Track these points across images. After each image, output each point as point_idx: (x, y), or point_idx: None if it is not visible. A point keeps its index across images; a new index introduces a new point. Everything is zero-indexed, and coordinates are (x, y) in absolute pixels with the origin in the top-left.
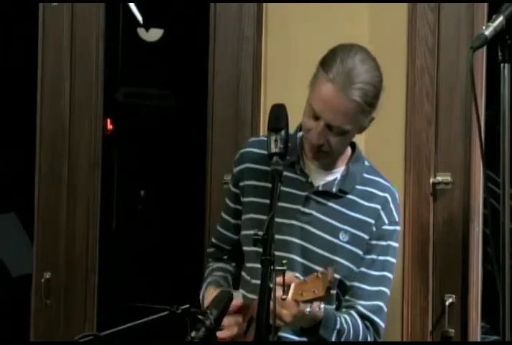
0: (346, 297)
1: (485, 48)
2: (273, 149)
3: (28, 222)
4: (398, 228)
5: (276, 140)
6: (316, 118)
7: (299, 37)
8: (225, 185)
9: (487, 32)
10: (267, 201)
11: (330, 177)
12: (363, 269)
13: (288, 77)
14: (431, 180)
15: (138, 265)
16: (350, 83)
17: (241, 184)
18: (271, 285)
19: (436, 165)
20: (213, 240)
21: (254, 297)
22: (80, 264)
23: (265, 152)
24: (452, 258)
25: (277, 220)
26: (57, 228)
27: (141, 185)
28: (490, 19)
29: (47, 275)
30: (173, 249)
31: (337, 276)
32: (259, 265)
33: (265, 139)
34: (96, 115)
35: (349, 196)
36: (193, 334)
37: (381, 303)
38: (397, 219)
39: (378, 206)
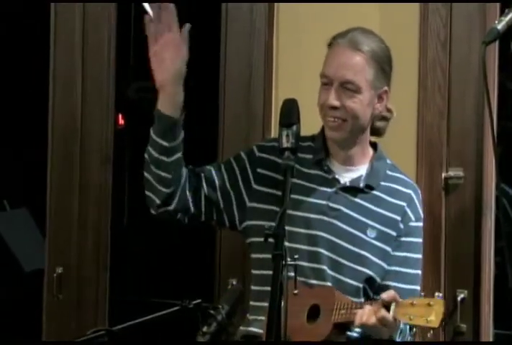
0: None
1: (497, 42)
2: (285, 144)
3: (40, 217)
4: (421, 224)
5: (288, 135)
6: (330, 85)
7: (310, 33)
8: None
9: (499, 26)
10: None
11: (355, 174)
12: (397, 268)
13: (299, 72)
14: (443, 175)
15: (150, 260)
16: (356, 40)
17: (259, 171)
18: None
19: (448, 160)
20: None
21: (265, 304)
22: (92, 259)
23: (277, 160)
24: (464, 253)
25: (306, 215)
26: (69, 223)
27: None
28: (502, 13)
29: (59, 270)
30: (185, 244)
31: (369, 272)
32: (269, 272)
33: (275, 144)
34: (108, 110)
35: (375, 192)
36: (204, 329)
37: None
38: (422, 216)
39: (403, 203)
